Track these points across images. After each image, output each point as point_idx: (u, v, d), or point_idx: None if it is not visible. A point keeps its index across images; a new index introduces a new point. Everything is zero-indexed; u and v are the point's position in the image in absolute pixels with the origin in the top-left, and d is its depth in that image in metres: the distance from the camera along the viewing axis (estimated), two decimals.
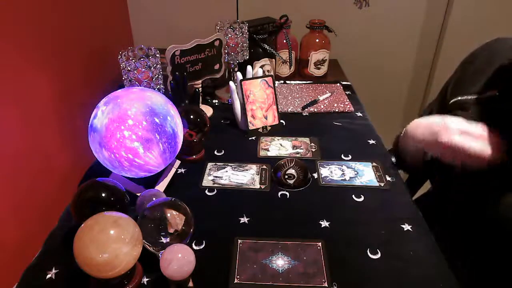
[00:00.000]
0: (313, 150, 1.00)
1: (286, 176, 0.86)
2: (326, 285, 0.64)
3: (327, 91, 1.30)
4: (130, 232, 0.57)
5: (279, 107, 1.10)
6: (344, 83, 1.39)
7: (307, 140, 1.04)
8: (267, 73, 1.25)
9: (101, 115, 0.71)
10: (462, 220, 0.83)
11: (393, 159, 0.96)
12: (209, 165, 0.94)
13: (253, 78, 1.07)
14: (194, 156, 0.95)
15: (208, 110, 1.18)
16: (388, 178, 0.89)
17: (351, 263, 0.68)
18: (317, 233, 0.74)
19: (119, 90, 0.76)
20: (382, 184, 0.87)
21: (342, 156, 0.97)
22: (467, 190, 0.79)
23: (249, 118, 1.06)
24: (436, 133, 0.74)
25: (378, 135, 1.07)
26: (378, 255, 0.69)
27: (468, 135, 0.71)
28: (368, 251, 0.70)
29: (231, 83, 1.06)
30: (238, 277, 0.65)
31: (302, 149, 1.00)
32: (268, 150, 1.00)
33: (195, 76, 1.10)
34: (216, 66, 1.14)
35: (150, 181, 0.83)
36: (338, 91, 1.31)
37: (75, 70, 1.14)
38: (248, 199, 0.84)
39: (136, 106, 0.71)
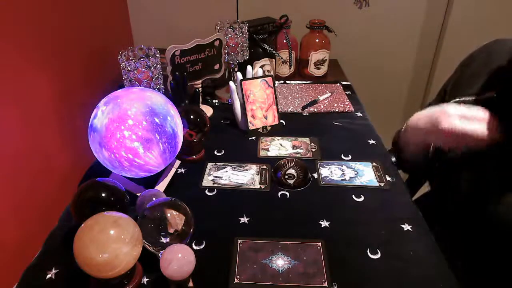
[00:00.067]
0: (313, 150, 1.00)
1: (286, 176, 0.86)
2: (326, 285, 0.64)
3: (327, 91, 1.30)
4: (130, 232, 0.57)
5: (279, 107, 1.10)
6: (344, 83, 1.39)
7: (307, 140, 1.04)
8: (267, 73, 1.25)
9: (101, 115, 0.71)
10: (462, 220, 0.83)
11: (393, 159, 0.96)
12: (209, 165, 0.94)
13: (253, 78, 1.07)
14: (194, 156, 0.95)
15: (208, 110, 1.18)
16: (388, 178, 0.89)
17: (351, 263, 0.68)
18: (317, 233, 0.74)
19: (119, 90, 0.76)
20: (382, 184, 0.87)
21: (342, 156, 0.97)
22: (467, 190, 0.79)
23: (249, 118, 1.06)
24: (437, 121, 0.74)
25: (378, 135, 1.07)
26: (378, 255, 0.69)
27: (468, 119, 0.71)
28: (368, 251, 0.70)
29: (231, 83, 1.06)
30: (238, 277, 0.65)
31: (302, 149, 1.00)
32: (268, 150, 1.00)
33: (195, 76, 1.10)
34: (216, 66, 1.14)
35: (150, 181, 0.83)
36: (338, 91, 1.31)
37: (75, 70, 1.14)
38: (248, 199, 0.84)
39: (136, 106, 0.71)
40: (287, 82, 1.42)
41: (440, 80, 1.03)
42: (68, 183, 1.05)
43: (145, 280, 0.65)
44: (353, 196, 0.84)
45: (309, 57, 1.43)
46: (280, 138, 1.05)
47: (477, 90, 0.79)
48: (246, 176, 0.90)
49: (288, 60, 1.41)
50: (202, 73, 1.12)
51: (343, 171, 0.92)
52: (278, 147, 1.02)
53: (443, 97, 0.91)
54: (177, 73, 1.03)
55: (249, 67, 1.08)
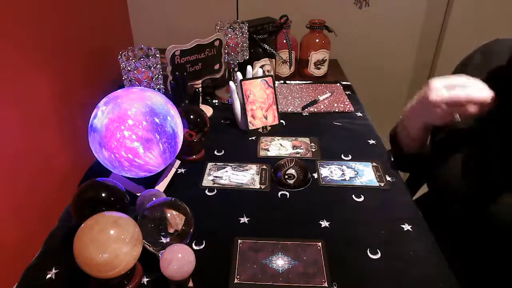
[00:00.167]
0: (313, 150, 1.00)
1: (286, 176, 0.86)
2: (326, 285, 0.64)
3: (327, 91, 1.30)
4: (130, 232, 0.57)
5: (279, 107, 1.10)
6: (344, 83, 1.39)
7: (307, 140, 1.04)
8: (267, 73, 1.25)
9: (101, 115, 0.71)
10: (462, 220, 0.83)
11: (392, 159, 0.96)
12: (209, 165, 0.94)
13: (253, 78, 1.07)
14: (194, 156, 0.95)
15: (208, 110, 1.18)
16: (388, 178, 0.89)
17: (351, 263, 0.68)
18: (317, 233, 0.74)
19: (119, 90, 0.76)
20: (382, 184, 0.87)
21: (342, 156, 0.97)
22: (467, 190, 0.79)
23: (249, 118, 1.06)
24: (425, 97, 0.74)
25: (378, 135, 1.07)
26: (378, 255, 0.69)
27: (454, 87, 0.71)
28: (368, 251, 0.70)
29: (231, 83, 1.06)
30: (238, 277, 0.65)
31: (302, 149, 1.00)
32: (268, 150, 1.00)
33: (195, 76, 1.10)
34: (216, 66, 1.14)
35: (150, 181, 0.83)
36: (338, 91, 1.31)
37: (75, 70, 1.14)
38: (248, 199, 0.84)
39: (136, 106, 0.71)
40: (287, 82, 1.42)
41: None
42: (68, 183, 1.05)
43: (145, 280, 0.65)
44: (353, 196, 0.84)
45: (309, 57, 1.43)
46: (280, 138, 1.05)
47: None
48: (246, 176, 0.90)
49: (288, 60, 1.41)
50: (202, 73, 1.12)
51: (343, 171, 0.92)
52: (278, 147, 1.02)
53: None
54: (177, 73, 1.03)
55: (249, 67, 1.08)
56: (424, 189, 1.02)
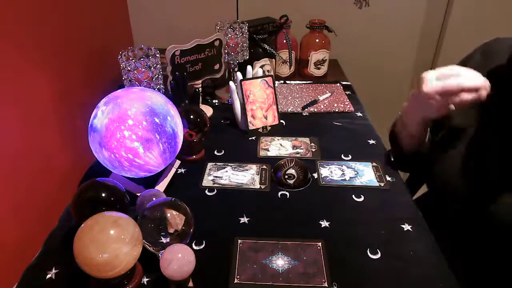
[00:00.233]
0: (313, 150, 1.00)
1: (286, 176, 0.86)
2: (326, 285, 0.64)
3: (327, 91, 1.30)
4: (130, 232, 0.57)
5: (279, 107, 1.10)
6: (344, 83, 1.39)
7: (307, 140, 1.04)
8: (267, 73, 1.25)
9: (101, 115, 0.71)
10: (462, 220, 0.83)
11: (392, 159, 0.96)
12: (209, 165, 0.94)
13: (253, 78, 1.07)
14: (194, 156, 0.95)
15: (208, 110, 1.18)
16: (388, 178, 0.89)
17: (351, 263, 0.68)
18: (317, 233, 0.74)
19: (119, 90, 0.76)
20: (382, 184, 0.87)
21: (342, 156, 0.97)
22: (467, 190, 0.79)
23: (249, 118, 1.06)
24: (419, 91, 0.74)
25: (378, 135, 1.07)
26: (378, 255, 0.69)
27: (447, 76, 0.71)
28: (368, 251, 0.70)
29: (231, 83, 1.06)
30: (238, 277, 0.65)
31: (302, 149, 1.00)
32: (268, 150, 1.00)
33: (195, 76, 1.10)
34: (216, 66, 1.14)
35: (150, 181, 0.83)
36: (338, 91, 1.31)
37: (75, 70, 1.14)
38: (248, 199, 0.84)
39: (136, 106, 0.71)
40: (287, 82, 1.42)
41: None
42: (68, 183, 1.05)
43: (145, 280, 0.65)
44: (353, 196, 0.84)
45: (309, 57, 1.43)
46: (280, 138, 1.05)
47: None
48: (246, 176, 0.90)
49: (288, 60, 1.41)
50: (202, 73, 1.12)
51: (343, 171, 0.92)
52: (278, 147, 1.02)
53: None
54: (177, 73, 1.03)
55: (249, 67, 1.08)
56: (424, 189, 1.02)
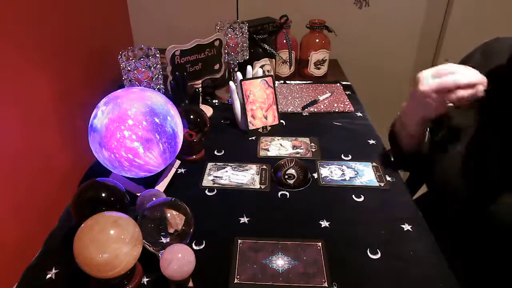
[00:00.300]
0: (313, 150, 1.00)
1: (286, 176, 0.86)
2: (326, 285, 0.64)
3: (327, 91, 1.30)
4: (130, 232, 0.57)
5: (279, 107, 1.10)
6: (344, 83, 1.40)
7: (307, 140, 1.04)
8: (267, 73, 1.25)
9: (101, 115, 0.71)
10: (462, 220, 0.83)
11: (392, 158, 0.96)
12: (209, 165, 0.94)
13: (253, 78, 1.07)
14: (194, 156, 0.95)
15: (208, 110, 1.18)
16: (388, 178, 0.89)
17: (351, 263, 0.68)
18: (317, 233, 0.74)
19: (119, 90, 0.76)
20: (382, 184, 0.87)
21: (342, 156, 0.97)
22: (467, 190, 0.79)
23: (249, 118, 1.06)
24: (416, 90, 0.74)
25: (378, 135, 1.07)
26: (378, 255, 0.69)
27: (442, 74, 0.71)
28: (368, 251, 0.70)
29: (231, 83, 1.06)
30: (238, 277, 0.65)
31: (302, 149, 1.00)
32: (268, 150, 1.00)
33: (195, 76, 1.10)
34: (216, 66, 1.14)
35: (150, 181, 0.83)
36: (338, 91, 1.31)
37: (75, 70, 1.14)
38: (248, 199, 0.84)
39: (136, 106, 0.71)
40: (287, 82, 1.42)
41: None
42: (68, 183, 1.05)
43: (145, 280, 0.65)
44: (353, 196, 0.84)
45: (309, 57, 1.43)
46: (280, 138, 1.05)
47: None
48: (246, 176, 0.90)
49: (288, 60, 1.41)
50: (202, 73, 1.12)
51: (343, 171, 0.92)
52: (278, 147, 1.02)
53: None
54: (177, 73, 1.03)
55: (249, 67, 1.08)
56: (424, 189, 1.02)
